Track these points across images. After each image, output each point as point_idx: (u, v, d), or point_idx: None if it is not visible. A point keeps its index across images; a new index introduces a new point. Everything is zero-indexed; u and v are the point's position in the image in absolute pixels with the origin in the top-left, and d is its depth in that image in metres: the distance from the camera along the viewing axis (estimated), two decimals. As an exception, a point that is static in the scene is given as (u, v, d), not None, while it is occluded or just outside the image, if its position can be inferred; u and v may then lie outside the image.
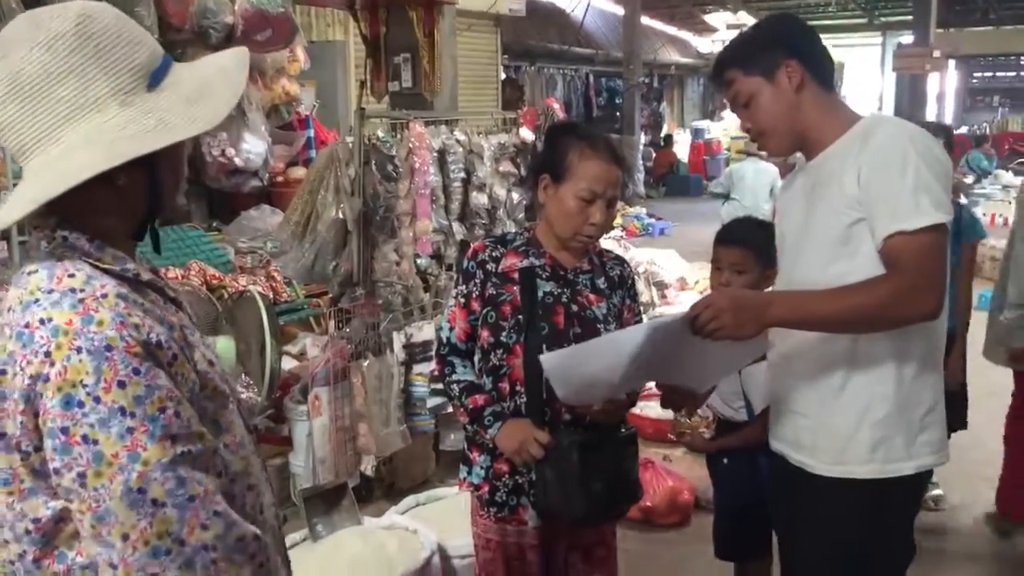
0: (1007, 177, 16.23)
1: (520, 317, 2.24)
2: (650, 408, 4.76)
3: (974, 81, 26.44)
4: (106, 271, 1.22)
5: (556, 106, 5.75)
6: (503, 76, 14.54)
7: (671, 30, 23.87)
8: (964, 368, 3.87)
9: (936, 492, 4.14)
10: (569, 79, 19.42)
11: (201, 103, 1.28)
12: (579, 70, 19.67)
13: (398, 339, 4.31)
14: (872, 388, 1.95)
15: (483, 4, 11.38)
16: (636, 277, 7.25)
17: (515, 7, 12.42)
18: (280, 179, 6.81)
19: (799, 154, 2.14)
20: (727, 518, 2.96)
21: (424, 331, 4.37)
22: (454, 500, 3.69)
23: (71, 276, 1.19)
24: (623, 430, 2.34)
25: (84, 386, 1.12)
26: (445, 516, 3.59)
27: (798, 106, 2.01)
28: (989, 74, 26.31)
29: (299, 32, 6.60)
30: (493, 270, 2.29)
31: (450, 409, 4.01)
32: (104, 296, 1.17)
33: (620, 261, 2.45)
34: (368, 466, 4.16)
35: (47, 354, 1.13)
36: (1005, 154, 19.91)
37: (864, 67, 26.33)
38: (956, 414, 3.56)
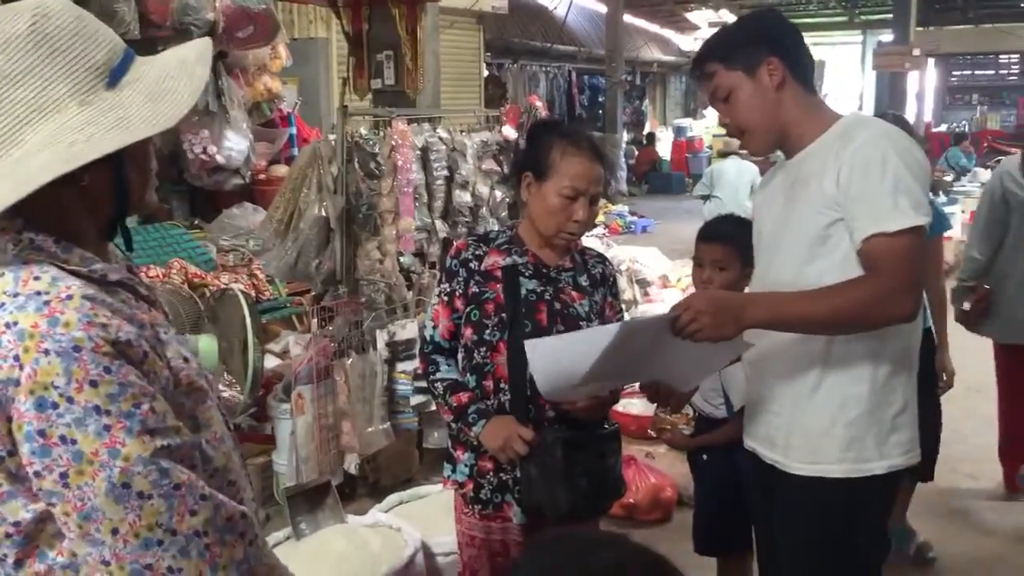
0: (986, 175, 16.36)
1: (503, 315, 2.25)
2: (633, 405, 4.78)
3: (953, 79, 26.59)
4: (73, 272, 1.21)
5: (539, 104, 5.76)
6: (486, 73, 14.53)
7: (654, 28, 23.91)
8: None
9: (919, 541, 3.81)
10: (552, 77, 19.41)
11: (162, 100, 1.26)
12: (562, 67, 19.66)
13: (381, 337, 4.30)
14: (846, 388, 1.97)
15: (466, 1, 11.38)
16: (619, 275, 7.27)
17: (498, 4, 12.42)
18: (262, 177, 6.78)
19: (779, 153, 2.15)
20: (707, 514, 2.98)
21: (407, 329, 4.36)
22: (438, 498, 3.70)
23: (36, 279, 1.18)
24: (606, 426, 2.36)
25: (56, 387, 1.11)
26: (429, 514, 3.60)
27: (778, 104, 2.02)
28: (968, 72, 26.47)
29: (281, 29, 6.57)
30: (476, 268, 2.30)
31: (433, 407, 4.01)
32: (69, 297, 1.16)
33: (602, 259, 2.46)
34: (351, 464, 4.15)
35: (16, 358, 1.12)
36: (984, 152, 20.08)
37: (845, 65, 26.46)
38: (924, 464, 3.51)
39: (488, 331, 2.25)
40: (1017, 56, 25.31)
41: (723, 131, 2.99)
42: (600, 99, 20.14)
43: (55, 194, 1.18)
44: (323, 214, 4.20)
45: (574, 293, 2.32)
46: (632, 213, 14.65)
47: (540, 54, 18.31)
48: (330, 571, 3.12)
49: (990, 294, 4.16)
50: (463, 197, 4.92)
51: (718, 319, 1.83)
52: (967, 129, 22.21)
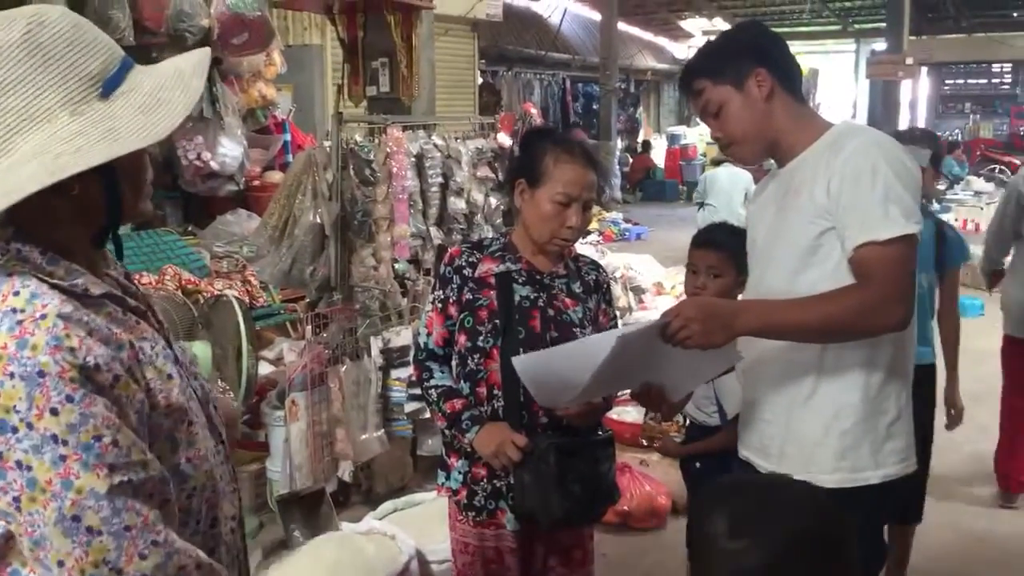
0: (978, 183, 16.46)
1: (497, 321, 2.25)
2: (627, 413, 4.78)
3: (946, 88, 26.71)
4: (55, 286, 1.20)
5: (533, 111, 5.77)
6: (480, 81, 14.55)
7: (647, 36, 23.99)
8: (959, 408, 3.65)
9: None
10: (546, 84, 19.46)
11: (155, 112, 1.24)
12: (556, 75, 19.71)
13: (376, 344, 4.30)
14: (840, 397, 1.96)
15: (461, 9, 11.40)
16: (613, 282, 7.28)
17: (492, 12, 12.44)
18: (256, 183, 6.77)
19: (772, 161, 2.15)
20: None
21: (402, 336, 4.36)
22: (432, 505, 3.69)
23: (16, 294, 1.17)
24: (600, 433, 2.36)
25: (16, 412, 1.11)
26: (423, 521, 3.59)
27: (768, 115, 2.02)
28: (961, 81, 26.58)
29: (276, 36, 6.57)
30: (470, 275, 2.30)
31: (428, 414, 4.00)
32: (43, 317, 1.15)
33: (596, 266, 2.47)
34: (346, 471, 4.14)
35: None
36: (976, 160, 20.18)
37: (838, 74, 26.56)
38: (912, 505, 3.44)
39: (482, 338, 2.25)
40: (1010, 65, 25.44)
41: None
42: (594, 106, 20.18)
43: (46, 203, 1.17)
44: (318, 221, 4.20)
45: (567, 300, 2.33)
46: (626, 220, 14.70)
47: (534, 62, 18.35)
48: (324, 579, 3.11)
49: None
50: (458, 204, 4.92)
51: (707, 326, 1.83)
52: (960, 138, 22.33)
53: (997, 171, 18.26)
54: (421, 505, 3.83)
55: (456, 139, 5.06)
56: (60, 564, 1.11)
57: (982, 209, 12.89)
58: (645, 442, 3.86)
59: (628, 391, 2.30)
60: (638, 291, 7.84)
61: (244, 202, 6.63)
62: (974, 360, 4.50)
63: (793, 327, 1.89)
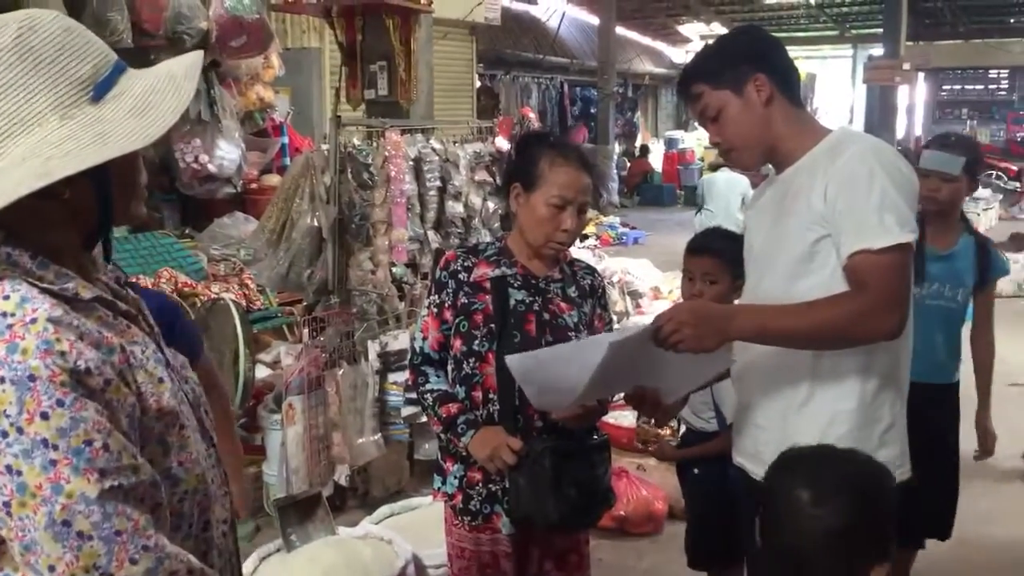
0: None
1: (492, 326, 2.25)
2: (624, 418, 4.78)
3: (943, 94, 26.75)
4: (45, 290, 1.19)
5: (531, 115, 5.78)
6: (478, 85, 14.56)
7: (645, 40, 24.02)
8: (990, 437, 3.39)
9: None
10: (544, 88, 19.46)
11: (146, 115, 1.24)
12: (554, 79, 19.72)
13: (373, 348, 4.30)
14: (835, 404, 1.96)
15: (459, 12, 11.40)
16: (610, 286, 7.28)
17: (490, 16, 12.43)
18: (254, 186, 6.77)
19: (771, 166, 2.15)
20: (699, 528, 2.98)
21: (399, 340, 4.36)
22: (429, 510, 3.69)
23: (5, 298, 1.16)
24: (595, 437, 2.36)
25: (7, 416, 1.10)
26: (420, 526, 3.59)
27: (767, 120, 2.01)
28: (958, 87, 26.62)
29: (274, 39, 6.58)
30: (465, 279, 2.31)
31: (424, 418, 4.00)
32: (33, 321, 1.14)
33: (591, 271, 2.47)
34: (342, 475, 4.14)
35: None
36: (974, 166, 20.17)
37: (835, 79, 26.63)
38: (939, 519, 3.23)
39: (477, 342, 2.25)
40: (1007, 71, 25.50)
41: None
42: (592, 110, 20.20)
43: (36, 207, 1.17)
44: (315, 224, 4.20)
45: (563, 304, 2.33)
46: (624, 224, 14.69)
47: (532, 65, 18.36)
48: (320, 583, 3.11)
49: None
50: (456, 208, 4.92)
51: (699, 330, 1.83)
52: (957, 143, 22.30)
53: (994, 177, 18.29)
54: (418, 509, 3.83)
55: (454, 143, 5.06)
56: (51, 569, 1.11)
57: (979, 215, 12.90)
58: (640, 444, 3.87)
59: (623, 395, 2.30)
60: (635, 295, 7.85)
61: (242, 205, 6.63)
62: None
63: (786, 333, 1.89)
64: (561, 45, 19.20)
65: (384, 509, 3.84)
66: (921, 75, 21.69)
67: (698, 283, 2.72)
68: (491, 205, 5.15)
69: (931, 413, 2.92)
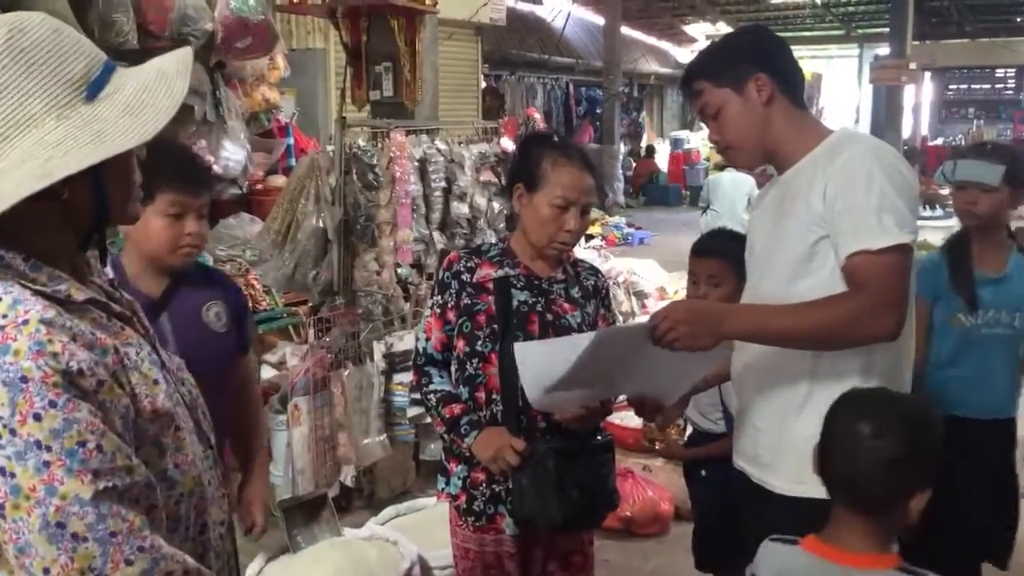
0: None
1: (495, 326, 2.25)
2: (631, 418, 4.77)
3: (949, 93, 26.65)
4: (38, 292, 1.19)
5: (537, 116, 5.78)
6: (484, 85, 14.55)
7: (651, 40, 23.99)
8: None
9: None
10: (549, 88, 19.45)
11: (141, 112, 1.24)
12: (559, 79, 19.71)
13: (378, 348, 4.30)
14: None
15: (464, 13, 11.40)
16: (616, 287, 7.27)
17: (496, 16, 12.43)
18: (259, 187, 6.77)
19: (771, 165, 2.15)
20: (706, 529, 2.97)
21: (404, 340, 4.36)
22: (434, 510, 3.68)
23: None
24: (599, 437, 2.36)
25: (0, 418, 1.10)
26: (425, 526, 3.59)
27: (767, 120, 2.01)
28: (964, 86, 26.53)
29: (279, 40, 6.57)
30: (468, 280, 2.31)
31: (430, 419, 4.00)
32: (25, 323, 1.14)
33: (595, 271, 2.47)
34: (348, 476, 4.14)
35: None
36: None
37: (841, 79, 26.56)
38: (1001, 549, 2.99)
39: (480, 342, 2.26)
40: (1013, 70, 25.41)
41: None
42: (597, 111, 20.19)
43: (35, 208, 1.17)
44: (321, 225, 4.20)
45: (566, 304, 2.33)
46: (629, 225, 14.68)
47: (538, 66, 18.35)
48: (325, 584, 3.11)
49: None
50: (461, 209, 4.92)
51: (695, 329, 1.83)
52: (963, 143, 22.28)
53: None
54: (423, 510, 3.82)
55: (459, 143, 5.06)
56: (46, 571, 1.11)
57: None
58: (647, 443, 3.85)
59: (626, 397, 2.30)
60: (641, 296, 7.84)
61: (247, 206, 6.63)
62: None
63: (782, 332, 1.88)
64: (566, 45, 19.19)
65: (390, 510, 3.84)
66: (927, 74, 21.66)
67: (702, 286, 2.71)
68: (496, 206, 5.15)
69: (993, 456, 2.87)
